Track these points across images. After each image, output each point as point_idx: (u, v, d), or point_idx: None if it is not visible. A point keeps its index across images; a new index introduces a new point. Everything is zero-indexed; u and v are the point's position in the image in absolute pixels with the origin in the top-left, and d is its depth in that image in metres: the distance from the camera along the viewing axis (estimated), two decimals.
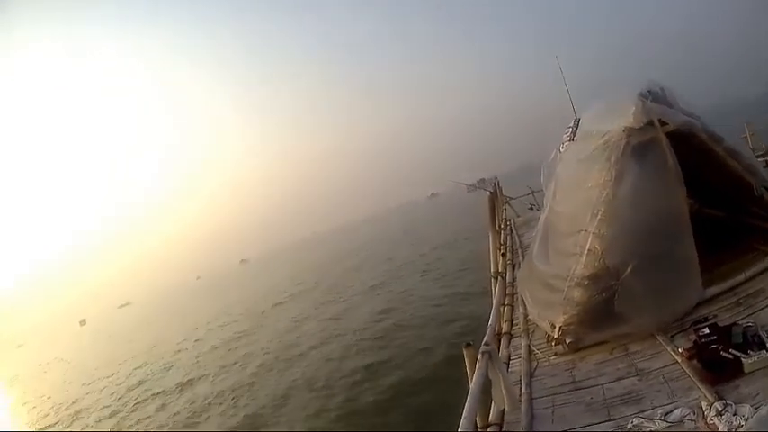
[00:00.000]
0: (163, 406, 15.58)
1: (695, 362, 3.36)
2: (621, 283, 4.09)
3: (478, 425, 3.53)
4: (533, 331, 5.13)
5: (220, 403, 13.70)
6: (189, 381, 17.72)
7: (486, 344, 3.58)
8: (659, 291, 4.12)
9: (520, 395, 3.80)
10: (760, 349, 3.13)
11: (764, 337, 3.24)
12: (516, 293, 6.42)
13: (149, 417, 14.89)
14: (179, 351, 24.98)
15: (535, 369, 4.32)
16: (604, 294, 4.19)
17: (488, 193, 9.41)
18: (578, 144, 5.50)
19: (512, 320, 5.73)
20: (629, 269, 4.05)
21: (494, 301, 5.44)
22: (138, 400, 17.44)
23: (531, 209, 14.10)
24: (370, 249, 48.27)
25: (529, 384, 4.02)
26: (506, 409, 3.50)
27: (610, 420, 3.16)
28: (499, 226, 9.95)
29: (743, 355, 3.12)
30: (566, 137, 5.72)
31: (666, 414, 2.96)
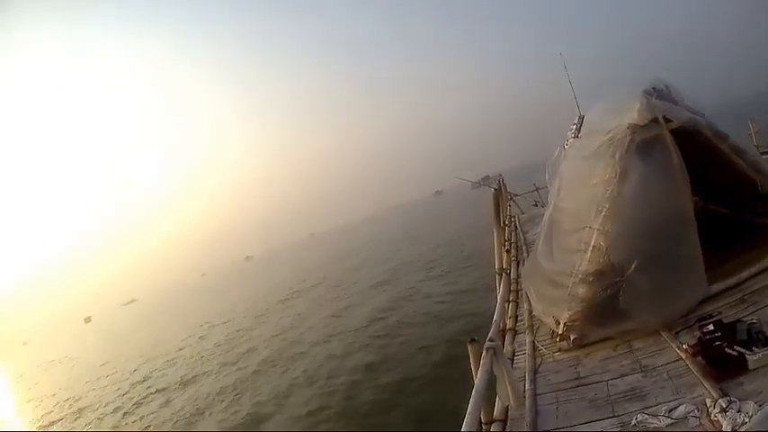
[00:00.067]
0: (167, 402, 15.72)
1: (699, 359, 3.36)
2: (626, 280, 4.09)
3: (483, 421, 3.55)
4: (538, 327, 5.14)
5: (222, 400, 13.80)
6: (192, 377, 17.87)
7: (491, 340, 3.59)
8: (664, 287, 4.12)
9: (524, 391, 3.82)
10: (764, 346, 3.13)
11: None
12: (521, 290, 6.42)
13: (153, 413, 15.02)
14: (183, 348, 25.13)
15: (539, 365, 4.34)
16: (609, 291, 4.19)
17: (493, 189, 9.39)
18: (583, 141, 5.51)
19: (516, 317, 5.75)
20: (633, 266, 4.05)
21: (498, 298, 5.45)
22: (142, 396, 17.59)
23: (536, 205, 14.08)
24: (372, 248, 48.19)
25: (533, 381, 4.04)
26: (511, 405, 3.51)
27: (614, 417, 3.17)
28: (504, 223, 9.95)
29: (747, 352, 3.11)
30: (570, 134, 5.71)
31: (671, 411, 2.97)
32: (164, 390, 17.40)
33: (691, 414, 2.88)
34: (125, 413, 16.07)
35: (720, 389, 2.97)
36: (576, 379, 3.87)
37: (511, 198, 13.75)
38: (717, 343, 3.33)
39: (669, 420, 2.89)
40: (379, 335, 14.84)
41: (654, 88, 4.66)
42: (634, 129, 4.41)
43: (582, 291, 4.39)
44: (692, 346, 3.49)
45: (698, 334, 3.57)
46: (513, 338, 5.20)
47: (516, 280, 7.00)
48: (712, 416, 2.77)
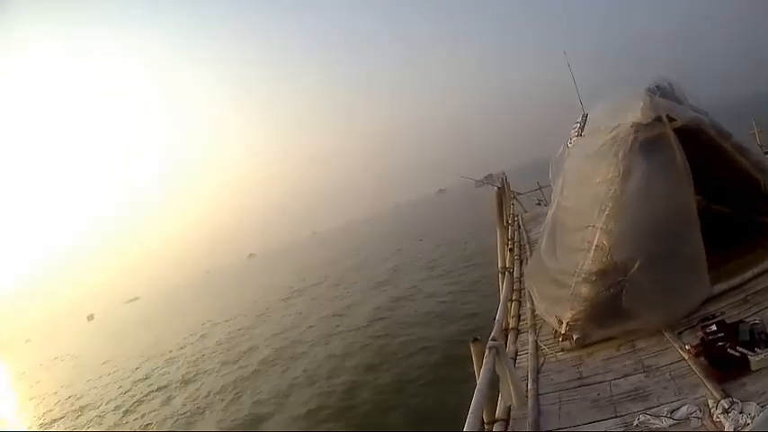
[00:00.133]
0: (168, 400, 15.75)
1: (702, 359, 3.35)
2: (629, 280, 4.07)
3: (485, 420, 3.54)
4: (540, 327, 5.13)
5: (222, 399, 13.82)
6: (194, 375, 17.91)
7: (494, 339, 3.57)
8: (666, 287, 4.11)
9: (527, 391, 3.81)
10: (767, 347, 3.11)
11: None
12: (524, 289, 6.40)
13: (154, 410, 15.06)
14: (184, 346, 25.18)
15: (542, 365, 4.32)
16: (612, 290, 4.18)
17: (496, 188, 9.35)
18: (586, 139, 5.48)
19: (519, 316, 5.73)
20: (636, 265, 4.04)
21: (501, 297, 5.43)
22: (144, 394, 17.64)
23: (539, 204, 14.03)
24: (373, 248, 48.19)
25: (536, 380, 4.02)
26: (513, 405, 3.50)
27: (616, 417, 3.16)
28: (507, 221, 9.92)
29: (750, 353, 3.10)
30: (573, 132, 5.69)
31: (673, 411, 2.95)
32: (165, 388, 17.45)
33: (693, 415, 2.87)
34: (126, 411, 16.11)
35: (723, 390, 2.95)
36: (579, 379, 3.86)
37: (514, 196, 13.70)
38: (719, 344, 3.32)
39: (671, 421, 2.88)
40: (379, 335, 14.83)
41: (657, 86, 4.63)
42: (637, 127, 4.39)
43: (585, 290, 4.38)
44: (694, 347, 3.47)
45: (701, 334, 3.55)
46: (516, 338, 5.18)
47: (519, 279, 6.99)
48: (714, 417, 2.76)
